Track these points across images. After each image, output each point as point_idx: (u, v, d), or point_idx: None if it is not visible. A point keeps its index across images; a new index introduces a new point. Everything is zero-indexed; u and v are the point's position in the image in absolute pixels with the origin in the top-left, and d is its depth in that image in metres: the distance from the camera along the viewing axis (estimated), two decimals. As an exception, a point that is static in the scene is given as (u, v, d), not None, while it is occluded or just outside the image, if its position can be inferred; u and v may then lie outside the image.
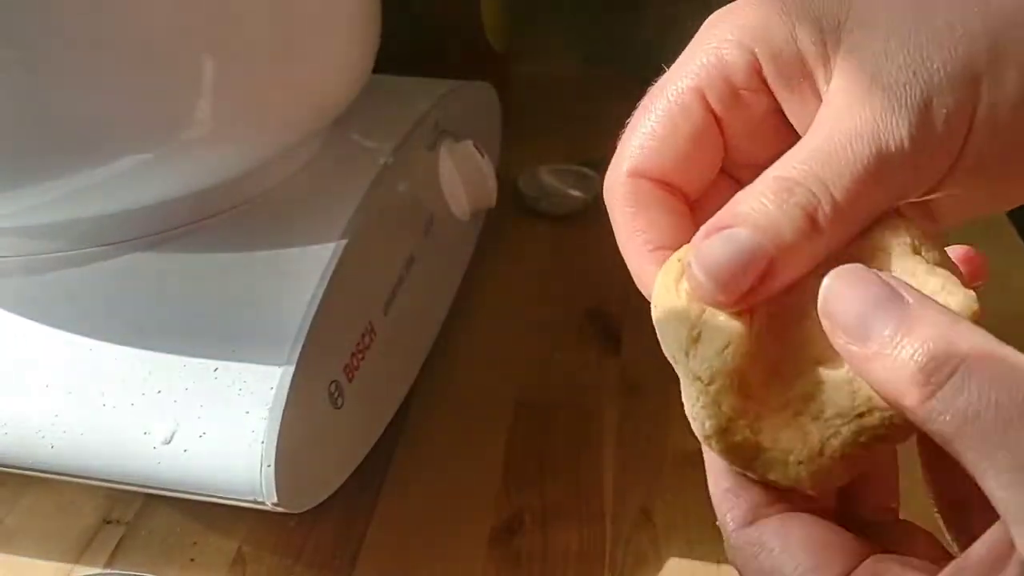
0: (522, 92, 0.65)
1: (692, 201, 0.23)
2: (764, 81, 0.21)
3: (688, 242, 0.21)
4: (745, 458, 0.19)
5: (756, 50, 0.21)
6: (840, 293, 0.18)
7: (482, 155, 0.45)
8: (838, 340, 0.18)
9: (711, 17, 0.22)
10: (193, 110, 0.33)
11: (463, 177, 0.45)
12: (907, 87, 0.19)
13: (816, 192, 0.19)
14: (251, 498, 0.32)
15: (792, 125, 0.22)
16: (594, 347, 0.46)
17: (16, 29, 0.29)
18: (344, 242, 0.36)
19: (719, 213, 0.20)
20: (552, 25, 0.75)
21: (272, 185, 0.39)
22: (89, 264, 0.36)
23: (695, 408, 0.20)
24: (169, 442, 0.32)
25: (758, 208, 0.19)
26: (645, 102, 0.22)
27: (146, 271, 0.36)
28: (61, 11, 0.29)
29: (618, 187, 0.22)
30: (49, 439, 0.33)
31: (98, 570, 0.36)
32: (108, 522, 0.38)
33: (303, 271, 0.35)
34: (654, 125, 0.22)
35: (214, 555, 0.37)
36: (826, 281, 0.18)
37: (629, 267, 0.22)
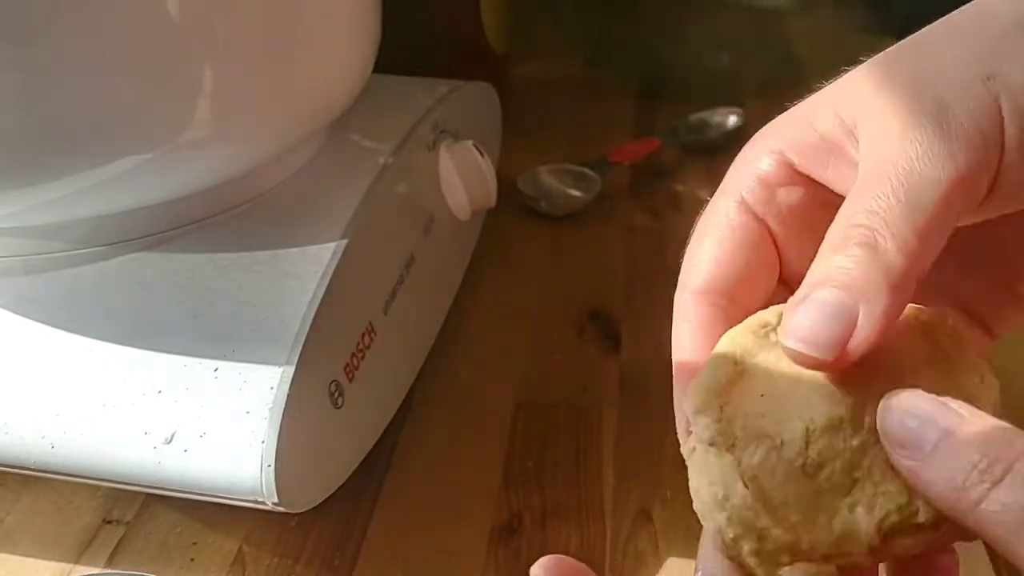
0: (522, 92, 0.65)
1: None
2: (796, 171, 0.22)
3: None
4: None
5: (781, 147, 0.22)
6: (896, 407, 0.18)
7: (482, 155, 0.45)
8: (896, 456, 0.18)
9: (745, 146, 0.24)
10: (193, 111, 0.33)
11: (463, 177, 0.45)
12: (932, 103, 0.19)
13: (880, 229, 0.19)
14: (251, 498, 0.32)
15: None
16: (594, 347, 0.46)
17: (15, 29, 0.29)
18: (344, 242, 0.36)
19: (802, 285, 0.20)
20: (552, 25, 0.75)
21: (272, 185, 0.39)
22: (89, 264, 0.36)
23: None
24: (169, 442, 0.32)
25: (831, 265, 0.19)
26: (699, 228, 0.23)
27: (146, 271, 0.36)
28: (60, 11, 0.29)
29: (682, 303, 0.23)
30: (49, 439, 0.33)
31: (98, 570, 0.36)
32: (108, 522, 0.38)
33: (303, 271, 0.35)
34: (712, 246, 0.23)
35: (214, 555, 0.37)
36: (882, 403, 0.19)
37: (676, 373, 0.23)
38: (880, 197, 0.19)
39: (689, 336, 0.23)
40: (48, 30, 0.29)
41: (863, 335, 0.18)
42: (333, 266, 0.35)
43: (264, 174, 0.39)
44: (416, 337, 0.43)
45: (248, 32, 0.34)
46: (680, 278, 0.23)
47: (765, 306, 0.23)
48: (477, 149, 0.45)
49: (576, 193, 0.57)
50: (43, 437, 0.33)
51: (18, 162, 0.32)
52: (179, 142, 0.34)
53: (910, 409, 0.18)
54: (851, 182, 0.20)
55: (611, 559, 0.36)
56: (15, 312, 0.36)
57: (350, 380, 0.35)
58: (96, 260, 0.37)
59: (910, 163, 0.19)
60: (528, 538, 0.37)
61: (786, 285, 0.24)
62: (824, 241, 0.20)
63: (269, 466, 0.31)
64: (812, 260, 0.20)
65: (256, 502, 0.32)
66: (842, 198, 0.20)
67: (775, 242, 0.23)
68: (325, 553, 0.37)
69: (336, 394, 0.34)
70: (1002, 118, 0.19)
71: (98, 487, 0.38)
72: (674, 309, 0.23)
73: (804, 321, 0.19)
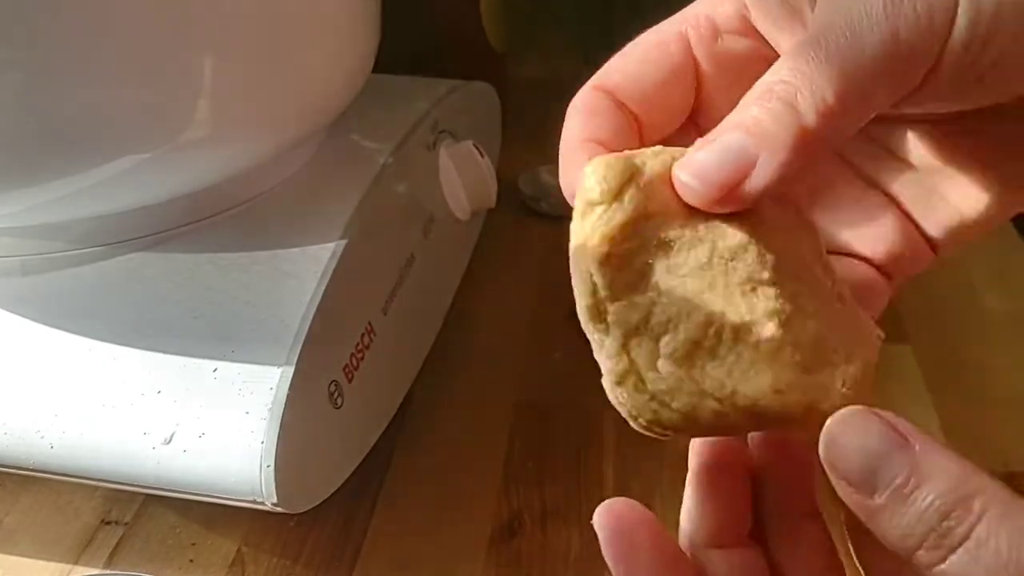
0: (522, 92, 0.65)
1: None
2: (751, 27, 0.22)
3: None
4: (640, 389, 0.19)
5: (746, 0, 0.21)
6: (842, 442, 0.17)
7: (482, 155, 0.45)
8: (842, 490, 0.17)
9: None
10: (192, 110, 0.33)
11: (463, 177, 0.45)
12: None
13: (802, 88, 0.18)
14: (251, 498, 0.31)
15: None
16: (594, 347, 0.46)
17: (14, 28, 0.29)
18: (344, 242, 0.36)
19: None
20: (552, 25, 0.75)
21: (271, 185, 0.39)
22: (88, 264, 0.36)
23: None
24: (168, 442, 0.32)
25: (746, 114, 0.18)
26: (629, 44, 0.23)
27: (145, 271, 0.36)
28: (59, 10, 0.29)
29: (579, 96, 0.22)
30: (48, 439, 0.33)
31: (97, 570, 0.36)
32: (107, 522, 0.38)
33: (302, 271, 0.35)
34: (630, 55, 0.22)
35: (213, 556, 0.37)
36: (827, 426, 0.18)
37: (560, 164, 0.22)
38: (812, 59, 0.18)
39: (580, 124, 0.22)
40: (47, 29, 0.29)
41: (756, 182, 0.18)
42: (332, 266, 0.35)
43: (264, 174, 0.39)
44: (416, 337, 0.43)
45: (247, 31, 0.34)
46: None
47: (668, 140, 0.22)
48: (477, 149, 0.45)
49: (576, 193, 0.57)
50: (42, 437, 0.33)
51: (18, 161, 0.32)
52: (178, 142, 0.34)
53: (860, 444, 0.17)
54: None
55: (611, 559, 0.36)
56: (14, 312, 0.36)
57: (349, 380, 0.35)
58: (95, 260, 0.37)
59: (849, 33, 0.18)
60: (528, 538, 0.37)
61: (698, 127, 0.23)
62: (747, 93, 0.19)
63: (268, 466, 0.31)
64: None
65: (255, 503, 0.32)
66: None
67: (700, 83, 0.22)
68: (324, 554, 0.37)
69: (336, 394, 0.34)
70: (956, 12, 0.18)
71: (97, 487, 0.38)
72: (571, 104, 0.22)
73: (701, 157, 0.19)
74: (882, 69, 0.18)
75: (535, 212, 0.57)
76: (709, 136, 0.19)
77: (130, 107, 0.32)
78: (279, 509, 0.31)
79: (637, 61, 0.22)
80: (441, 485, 0.40)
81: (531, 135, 0.61)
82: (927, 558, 0.16)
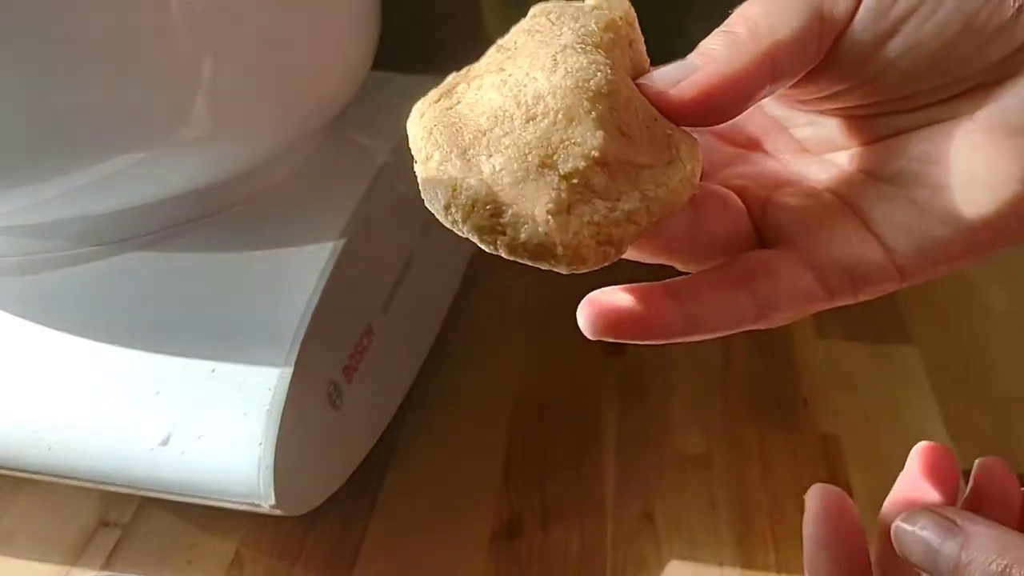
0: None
1: None
2: None
3: None
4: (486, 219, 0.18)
5: None
6: (907, 535, 0.21)
7: (482, 154, 0.45)
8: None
9: None
10: (190, 108, 0.33)
11: (463, 176, 0.45)
12: None
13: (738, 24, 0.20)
14: (249, 500, 0.31)
15: None
16: (595, 347, 0.46)
17: (11, 27, 0.29)
18: (343, 242, 0.35)
19: None
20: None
21: (270, 184, 0.39)
22: (85, 264, 0.36)
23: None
24: (166, 444, 0.32)
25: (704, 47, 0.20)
26: None
27: (143, 271, 0.36)
28: (57, 9, 0.29)
29: None
30: (46, 440, 0.33)
31: (95, 572, 0.36)
32: (105, 524, 0.38)
33: (301, 271, 0.35)
34: None
35: (211, 558, 0.36)
36: (895, 525, 0.22)
37: None
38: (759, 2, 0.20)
39: None
40: (45, 28, 0.29)
41: (691, 85, 0.20)
42: (331, 266, 0.34)
43: (262, 173, 0.39)
44: (415, 337, 0.42)
45: (245, 29, 0.33)
46: None
47: None
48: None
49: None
50: (39, 439, 0.33)
51: (15, 159, 0.32)
52: (176, 140, 0.34)
53: (917, 530, 0.21)
54: None
55: (612, 560, 0.36)
56: (11, 312, 0.35)
57: (349, 381, 0.35)
58: (93, 259, 0.36)
59: None
60: (528, 539, 0.37)
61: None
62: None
63: (267, 468, 0.31)
64: None
65: (254, 504, 0.31)
66: None
67: None
68: (323, 555, 0.36)
69: (334, 395, 0.34)
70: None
71: (95, 489, 0.38)
72: None
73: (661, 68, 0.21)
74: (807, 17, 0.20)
75: (535, 211, 0.56)
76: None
77: (128, 105, 0.32)
78: (278, 511, 0.31)
79: None
80: (441, 485, 0.39)
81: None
82: None
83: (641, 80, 0.21)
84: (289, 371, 0.32)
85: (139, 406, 0.33)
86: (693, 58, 0.20)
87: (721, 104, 0.20)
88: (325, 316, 0.33)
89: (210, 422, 0.32)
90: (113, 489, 0.34)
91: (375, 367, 0.37)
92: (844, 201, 0.22)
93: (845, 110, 0.22)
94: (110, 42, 0.30)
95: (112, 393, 0.33)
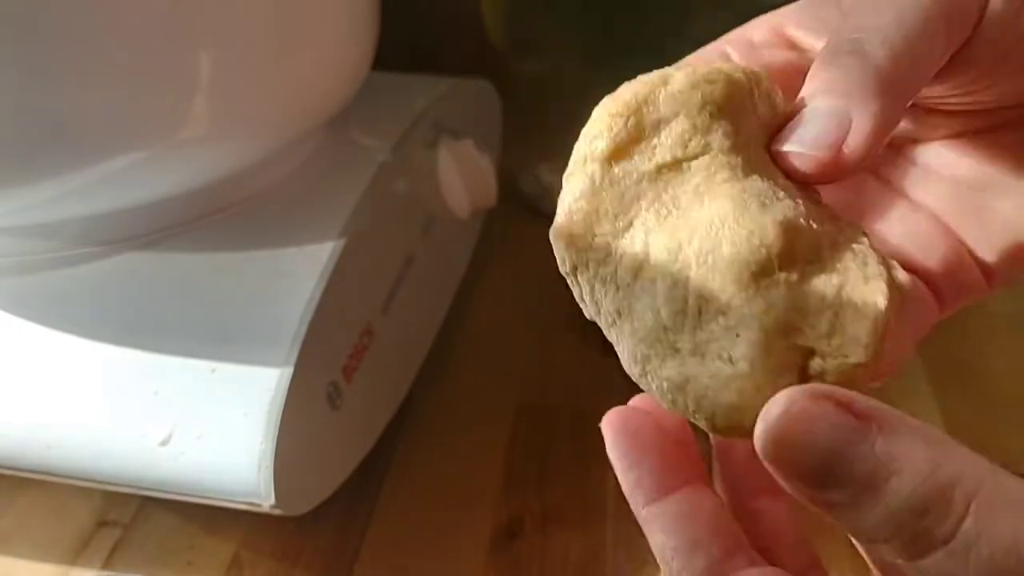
0: (523, 90, 0.65)
1: None
2: (789, 41, 0.22)
3: None
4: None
5: (783, 21, 0.21)
6: (787, 437, 0.14)
7: (482, 154, 0.45)
8: (794, 488, 0.15)
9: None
10: (189, 108, 0.33)
11: (463, 176, 0.45)
12: None
13: (870, 37, 0.18)
14: (249, 500, 0.31)
15: None
16: (595, 348, 0.46)
17: (9, 24, 0.29)
18: (342, 242, 0.35)
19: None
20: (554, 23, 0.74)
21: (269, 184, 0.39)
22: (84, 264, 0.36)
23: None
24: (166, 444, 0.32)
25: (821, 77, 0.18)
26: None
27: (142, 271, 0.36)
28: (55, 7, 0.29)
29: None
30: (45, 440, 0.33)
31: (94, 572, 0.36)
32: (104, 524, 0.38)
33: (301, 271, 0.34)
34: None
35: (211, 558, 0.36)
36: (761, 420, 0.15)
37: None
38: (868, 14, 0.18)
39: None
40: (42, 26, 0.29)
41: (858, 139, 0.17)
42: (331, 266, 0.34)
43: (262, 173, 0.38)
44: (415, 337, 0.42)
45: (245, 28, 0.33)
46: None
47: None
48: (477, 148, 0.45)
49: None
50: (39, 438, 0.33)
51: (13, 159, 0.32)
52: (175, 139, 0.33)
53: (809, 442, 0.15)
54: None
55: (612, 562, 0.36)
56: (10, 312, 0.35)
57: (348, 381, 0.35)
58: (92, 260, 0.36)
59: None
60: (529, 542, 0.37)
61: None
62: (814, 62, 0.19)
63: (267, 468, 0.31)
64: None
65: (253, 505, 0.31)
66: None
67: None
68: (323, 556, 0.36)
69: (334, 395, 0.34)
70: None
71: (94, 489, 0.38)
72: None
73: (800, 128, 0.18)
74: (936, 11, 0.18)
75: (536, 212, 0.56)
76: (793, 119, 0.18)
77: (126, 104, 0.32)
78: (278, 511, 0.31)
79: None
80: (441, 487, 0.39)
81: (532, 134, 0.60)
82: (906, 557, 0.14)
83: (779, 148, 0.18)
84: (289, 371, 0.32)
85: (139, 406, 0.32)
86: (829, 105, 0.18)
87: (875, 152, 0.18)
88: (325, 316, 0.33)
89: (210, 422, 0.32)
90: (113, 489, 0.34)
91: (375, 367, 0.37)
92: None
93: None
94: (109, 42, 0.30)
95: (112, 393, 0.33)
